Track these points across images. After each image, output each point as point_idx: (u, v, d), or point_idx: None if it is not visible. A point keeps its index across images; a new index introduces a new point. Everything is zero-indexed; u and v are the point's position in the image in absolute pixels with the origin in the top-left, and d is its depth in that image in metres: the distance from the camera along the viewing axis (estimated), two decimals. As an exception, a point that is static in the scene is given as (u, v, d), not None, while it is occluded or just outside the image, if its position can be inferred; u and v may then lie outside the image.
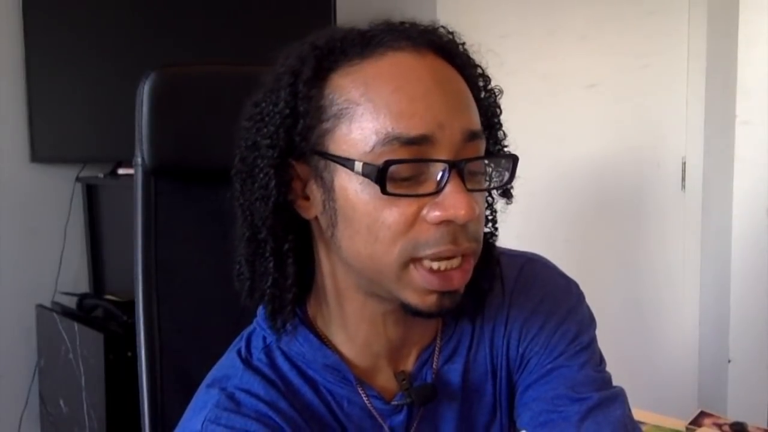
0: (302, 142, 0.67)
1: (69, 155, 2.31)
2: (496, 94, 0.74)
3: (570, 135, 2.23)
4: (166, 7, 2.36)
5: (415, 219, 0.64)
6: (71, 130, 2.29)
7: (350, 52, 0.66)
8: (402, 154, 0.62)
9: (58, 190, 2.34)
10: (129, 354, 1.84)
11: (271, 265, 0.70)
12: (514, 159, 0.70)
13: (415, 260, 0.64)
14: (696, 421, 1.34)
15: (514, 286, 0.78)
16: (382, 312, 0.71)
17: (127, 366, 1.81)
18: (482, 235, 0.69)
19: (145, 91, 1.07)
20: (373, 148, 0.63)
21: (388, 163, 0.62)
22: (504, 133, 0.74)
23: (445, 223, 0.63)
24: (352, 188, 0.65)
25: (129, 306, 1.74)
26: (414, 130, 0.62)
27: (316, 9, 2.35)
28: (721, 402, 2.01)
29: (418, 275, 0.65)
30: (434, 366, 0.75)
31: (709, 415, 1.36)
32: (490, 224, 0.75)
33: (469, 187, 0.64)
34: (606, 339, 2.13)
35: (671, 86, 2.10)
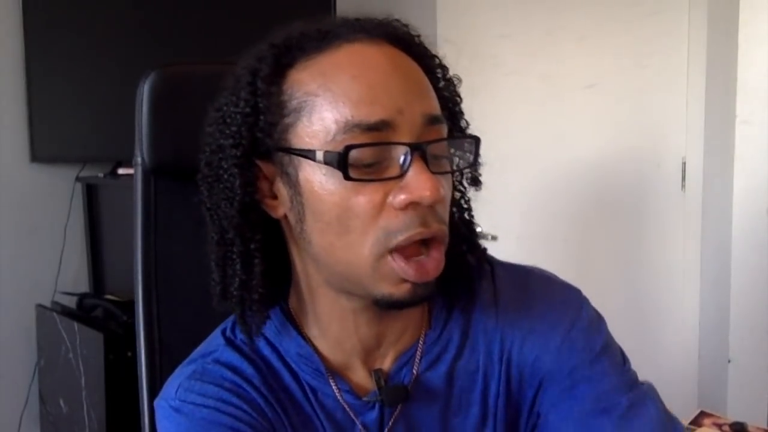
0: (265, 139, 0.66)
1: (69, 155, 2.31)
2: (455, 83, 0.73)
3: (570, 135, 2.23)
4: (166, 7, 2.36)
5: (382, 205, 0.63)
6: (71, 130, 2.29)
7: (307, 47, 0.67)
8: (363, 140, 0.62)
9: (58, 190, 2.35)
10: (129, 354, 1.84)
11: (238, 266, 0.69)
12: (476, 141, 0.69)
13: (391, 251, 0.64)
14: (696, 421, 1.34)
15: (509, 299, 0.76)
16: (352, 310, 0.70)
17: (127, 366, 1.81)
18: (448, 218, 0.68)
19: (145, 90, 1.07)
20: (335, 137, 0.63)
21: (349, 148, 0.62)
22: (466, 122, 0.74)
23: (412, 206, 0.63)
24: (317, 180, 0.64)
25: (129, 306, 1.74)
26: (374, 115, 0.63)
27: (316, 9, 2.35)
28: (721, 402, 2.01)
29: (394, 265, 0.64)
30: (415, 370, 0.73)
31: (709, 415, 1.36)
32: (466, 213, 0.75)
33: (433, 170, 0.64)
34: (606, 339, 2.08)
35: (671, 86, 2.10)
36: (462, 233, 0.74)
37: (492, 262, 0.78)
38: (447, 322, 0.75)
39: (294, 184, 0.66)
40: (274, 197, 0.69)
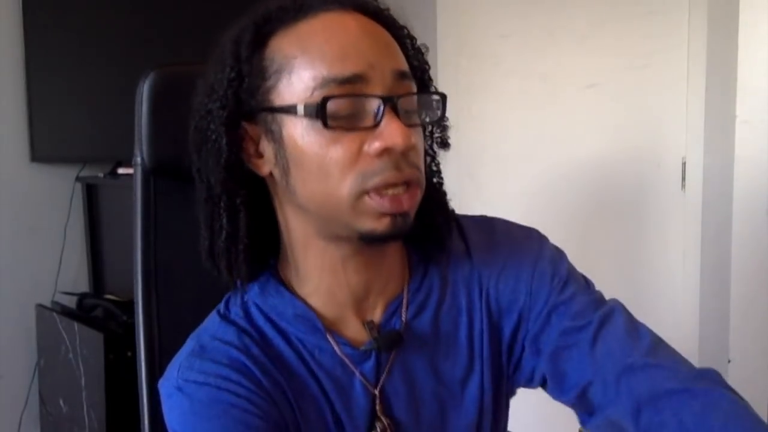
0: (250, 101, 0.72)
1: (69, 155, 2.31)
2: (423, 51, 0.79)
3: (570, 135, 2.22)
4: (165, 7, 2.37)
5: (358, 153, 0.69)
6: (71, 130, 2.29)
7: (285, 17, 0.73)
8: (339, 93, 0.68)
9: (58, 190, 2.35)
10: (129, 354, 1.84)
11: (224, 220, 0.75)
12: (443, 97, 0.75)
13: (368, 192, 0.69)
14: (696, 421, 1.34)
15: (479, 244, 0.83)
16: (341, 258, 0.76)
17: (127, 366, 1.81)
18: (423, 167, 0.74)
19: (144, 90, 1.07)
20: (313, 92, 0.69)
21: (326, 99, 0.67)
22: (435, 89, 0.79)
23: (386, 152, 0.69)
24: (299, 133, 0.70)
25: (129, 306, 1.74)
26: (346, 70, 0.69)
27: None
28: (721, 402, 2.01)
29: (371, 202, 0.69)
30: (403, 317, 0.79)
31: (709, 415, 1.36)
32: (435, 177, 0.81)
33: (404, 122, 0.69)
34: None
35: (671, 86, 2.09)
36: (432, 195, 0.79)
37: (457, 218, 0.85)
38: (426, 272, 0.81)
39: (278, 140, 0.72)
40: (260, 156, 0.75)
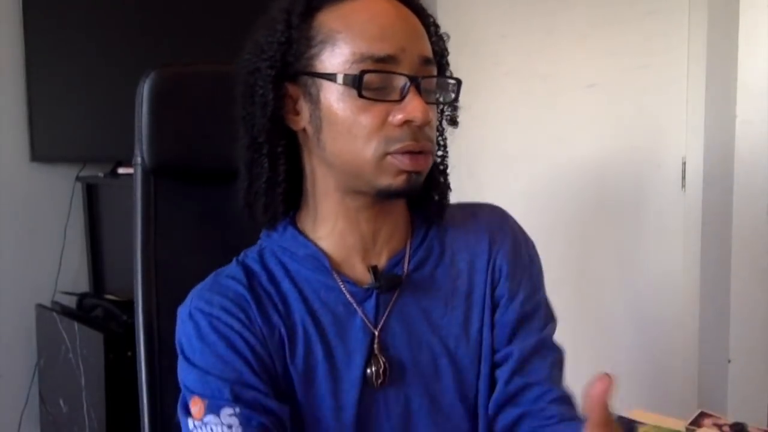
0: (295, 64, 0.83)
1: (69, 155, 2.31)
2: (445, 39, 0.90)
3: (570, 135, 2.23)
4: (165, 7, 2.37)
5: (384, 122, 0.80)
6: (71, 130, 2.29)
7: None
8: (374, 68, 0.80)
9: (58, 190, 2.35)
10: (129, 354, 1.84)
11: (266, 164, 0.86)
12: (458, 82, 0.87)
13: (389, 154, 0.81)
14: (696, 422, 1.34)
15: (495, 226, 0.94)
16: (355, 208, 0.87)
17: (127, 366, 1.81)
18: (435, 141, 0.86)
19: (144, 90, 1.07)
20: (351, 65, 0.80)
21: (364, 72, 0.79)
22: (451, 73, 0.90)
23: (407, 124, 0.80)
24: (334, 98, 0.81)
25: (129, 306, 1.73)
26: (383, 50, 0.80)
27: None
28: (721, 402, 2.01)
29: (394, 160, 0.81)
30: (405, 269, 0.89)
31: (709, 416, 1.36)
32: (441, 148, 0.92)
33: (424, 100, 0.81)
34: (606, 339, 2.13)
35: (671, 86, 2.09)
36: (437, 166, 0.91)
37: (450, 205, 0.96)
38: (426, 235, 0.92)
39: (315, 102, 0.83)
40: (297, 114, 0.86)
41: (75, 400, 2.05)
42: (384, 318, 0.87)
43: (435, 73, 0.85)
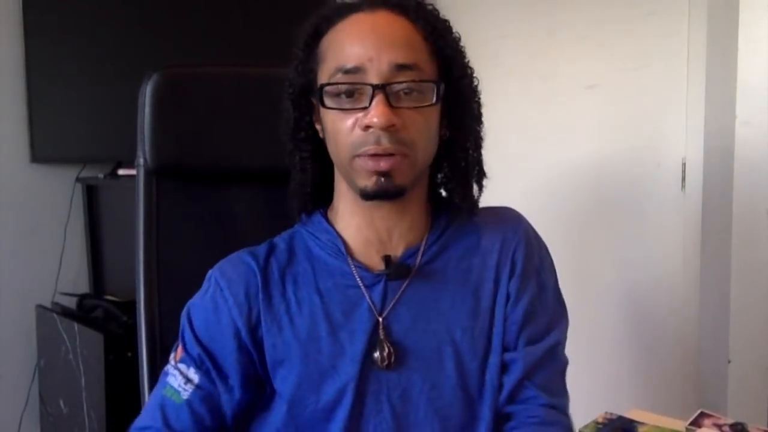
0: (312, 80, 0.92)
1: (69, 155, 2.31)
2: (458, 40, 0.96)
3: (570, 135, 2.22)
4: (166, 8, 2.37)
5: (353, 127, 0.87)
6: (71, 130, 2.29)
7: (335, 18, 0.91)
8: (343, 80, 0.87)
9: (58, 190, 2.35)
10: (129, 354, 1.85)
11: (297, 167, 0.97)
12: (436, 84, 0.89)
13: (357, 156, 0.87)
14: (696, 422, 1.34)
15: (509, 228, 0.99)
16: (369, 206, 0.93)
17: (127, 366, 1.81)
18: (417, 144, 0.88)
19: (147, 92, 1.07)
20: (330, 79, 0.88)
21: (322, 86, 0.88)
22: (470, 76, 0.97)
23: (371, 129, 0.85)
24: (323, 109, 0.90)
25: (129, 306, 1.73)
26: (349, 62, 0.87)
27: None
28: (721, 402, 2.01)
29: (361, 162, 0.87)
30: (418, 261, 0.95)
31: (709, 416, 1.36)
32: (461, 149, 0.97)
33: (397, 104, 0.86)
34: (605, 339, 2.13)
35: (671, 86, 2.09)
36: (457, 167, 0.97)
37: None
38: (444, 232, 0.97)
39: (321, 112, 0.91)
40: (320, 123, 0.94)
41: (75, 400, 2.05)
42: (392, 304, 0.93)
43: (412, 77, 0.87)
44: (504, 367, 0.94)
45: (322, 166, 0.97)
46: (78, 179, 2.36)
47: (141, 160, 1.08)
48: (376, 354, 0.90)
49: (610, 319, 2.20)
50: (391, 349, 0.90)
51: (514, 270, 0.96)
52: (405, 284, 0.93)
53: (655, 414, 1.37)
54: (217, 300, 0.93)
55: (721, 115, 1.99)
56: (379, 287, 0.93)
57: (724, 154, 1.98)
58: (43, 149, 2.27)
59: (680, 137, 2.10)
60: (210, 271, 0.96)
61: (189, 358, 0.94)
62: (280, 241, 0.99)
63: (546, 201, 2.24)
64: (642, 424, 1.32)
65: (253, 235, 1.00)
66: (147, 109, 1.07)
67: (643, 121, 2.15)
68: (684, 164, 2.09)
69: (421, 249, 0.95)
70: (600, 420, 1.35)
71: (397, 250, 0.95)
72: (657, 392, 2.15)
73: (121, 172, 2.18)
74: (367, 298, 0.93)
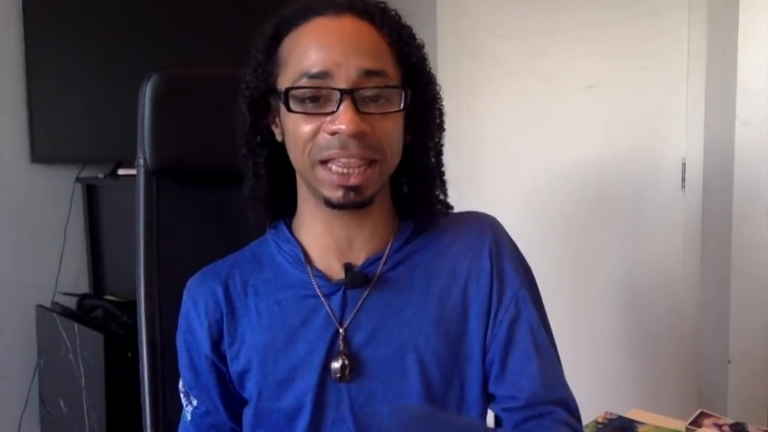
0: (271, 83, 0.90)
1: (69, 155, 2.31)
2: (421, 47, 0.92)
3: (569, 135, 2.22)
4: (166, 9, 2.37)
5: (317, 131, 0.85)
6: (71, 130, 2.29)
7: (296, 20, 0.89)
8: (309, 85, 0.85)
9: (58, 190, 2.35)
10: (129, 354, 1.84)
11: (250, 173, 0.94)
12: (403, 90, 0.87)
13: (320, 162, 0.85)
14: (696, 422, 1.34)
15: (478, 233, 0.96)
16: (329, 213, 0.90)
17: (127, 366, 1.81)
18: (386, 149, 0.86)
19: (147, 92, 1.07)
20: (293, 83, 0.86)
21: (288, 90, 0.85)
22: (432, 84, 0.92)
23: (337, 134, 0.83)
24: (284, 113, 0.87)
25: (129, 306, 1.73)
26: (316, 67, 0.84)
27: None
28: (721, 402, 2.02)
29: (323, 173, 0.86)
30: (379, 269, 0.92)
31: (709, 416, 1.36)
32: (424, 156, 0.93)
33: (364, 110, 0.84)
34: (605, 339, 2.14)
35: (671, 86, 2.10)
36: (421, 173, 0.94)
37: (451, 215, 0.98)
38: (409, 239, 0.95)
39: (280, 115, 0.90)
40: (278, 126, 0.92)
41: (75, 400, 2.05)
42: (354, 313, 0.91)
43: (383, 82, 0.86)
44: (491, 397, 0.93)
45: (281, 172, 0.94)
46: (78, 179, 2.36)
47: (141, 161, 1.08)
48: (335, 365, 0.89)
49: (610, 319, 2.20)
50: (347, 362, 0.89)
51: (483, 277, 0.94)
52: (366, 292, 0.91)
53: (655, 414, 1.37)
54: (190, 319, 0.95)
55: (721, 115, 1.99)
56: (338, 296, 0.91)
57: (724, 154, 1.99)
58: (43, 149, 2.27)
59: (680, 137, 2.10)
60: (189, 282, 0.97)
61: (184, 379, 0.97)
62: (249, 250, 0.99)
63: (546, 201, 2.24)
64: (642, 424, 1.33)
65: (253, 236, 1.00)
66: (147, 110, 1.07)
67: (643, 121, 2.16)
68: (684, 164, 2.09)
69: (384, 256, 0.93)
70: (600, 420, 1.35)
71: (359, 258, 0.93)
72: (657, 392, 2.15)
73: (121, 172, 2.18)
74: (326, 307, 0.91)
